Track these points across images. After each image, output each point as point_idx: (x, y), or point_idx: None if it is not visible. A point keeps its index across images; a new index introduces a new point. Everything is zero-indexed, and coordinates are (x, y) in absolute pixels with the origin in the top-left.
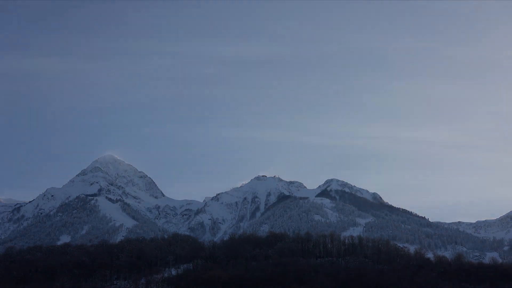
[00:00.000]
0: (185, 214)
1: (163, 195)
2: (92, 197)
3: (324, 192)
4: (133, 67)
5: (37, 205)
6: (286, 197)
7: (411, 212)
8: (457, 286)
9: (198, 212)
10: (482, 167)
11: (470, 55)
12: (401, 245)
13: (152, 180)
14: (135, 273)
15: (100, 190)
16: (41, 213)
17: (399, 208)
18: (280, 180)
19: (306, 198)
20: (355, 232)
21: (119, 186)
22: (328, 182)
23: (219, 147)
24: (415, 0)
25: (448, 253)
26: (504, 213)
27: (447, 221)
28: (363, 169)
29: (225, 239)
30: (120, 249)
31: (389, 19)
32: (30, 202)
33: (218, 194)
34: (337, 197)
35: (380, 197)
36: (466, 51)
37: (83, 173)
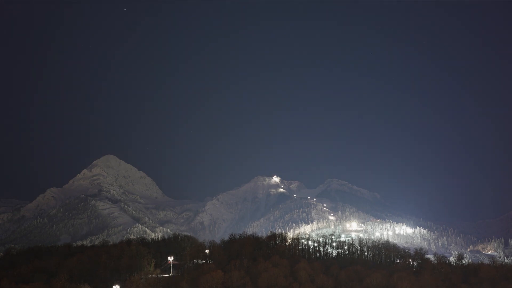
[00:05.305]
0: (185, 214)
1: (164, 195)
2: (92, 198)
3: (324, 192)
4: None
5: (38, 206)
6: (286, 197)
7: (411, 212)
8: (457, 286)
9: (198, 212)
10: None
11: None
12: (401, 245)
13: (152, 180)
14: (135, 273)
15: (100, 190)
16: (41, 214)
17: (399, 208)
18: (280, 180)
19: (306, 198)
20: (355, 232)
21: (120, 186)
22: (328, 182)
23: (219, 148)
24: None
25: (448, 254)
26: (504, 213)
27: (447, 221)
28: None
29: (225, 239)
30: (120, 250)
31: None
32: (30, 202)
33: (219, 194)
34: (337, 197)
35: (380, 197)
36: None
37: (84, 173)
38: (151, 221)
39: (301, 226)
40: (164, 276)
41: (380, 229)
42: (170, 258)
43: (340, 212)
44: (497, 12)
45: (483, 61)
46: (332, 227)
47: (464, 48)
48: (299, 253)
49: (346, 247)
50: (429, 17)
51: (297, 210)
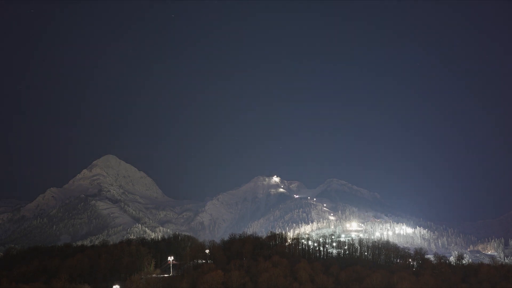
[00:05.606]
0: (185, 214)
1: (164, 195)
2: (92, 198)
3: (324, 192)
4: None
5: (38, 206)
6: (286, 197)
7: (411, 212)
8: (457, 286)
9: (198, 212)
10: None
11: None
12: (401, 245)
13: (152, 180)
14: (135, 273)
15: (100, 190)
16: (41, 214)
17: (399, 208)
18: (280, 180)
19: (306, 198)
20: (355, 232)
21: (120, 186)
22: (328, 182)
23: (219, 148)
24: None
25: (448, 254)
26: (504, 213)
27: (447, 221)
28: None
29: (225, 239)
30: (120, 250)
31: None
32: (30, 202)
33: (219, 194)
34: (337, 197)
35: (380, 197)
36: None
37: (84, 173)
38: (151, 221)
39: (301, 226)
40: (164, 276)
41: (380, 229)
42: (170, 258)
43: (340, 212)
44: (498, 12)
45: (484, 61)
46: (332, 227)
47: (466, 47)
48: (299, 253)
49: (346, 247)
50: (429, 16)
51: (297, 210)
